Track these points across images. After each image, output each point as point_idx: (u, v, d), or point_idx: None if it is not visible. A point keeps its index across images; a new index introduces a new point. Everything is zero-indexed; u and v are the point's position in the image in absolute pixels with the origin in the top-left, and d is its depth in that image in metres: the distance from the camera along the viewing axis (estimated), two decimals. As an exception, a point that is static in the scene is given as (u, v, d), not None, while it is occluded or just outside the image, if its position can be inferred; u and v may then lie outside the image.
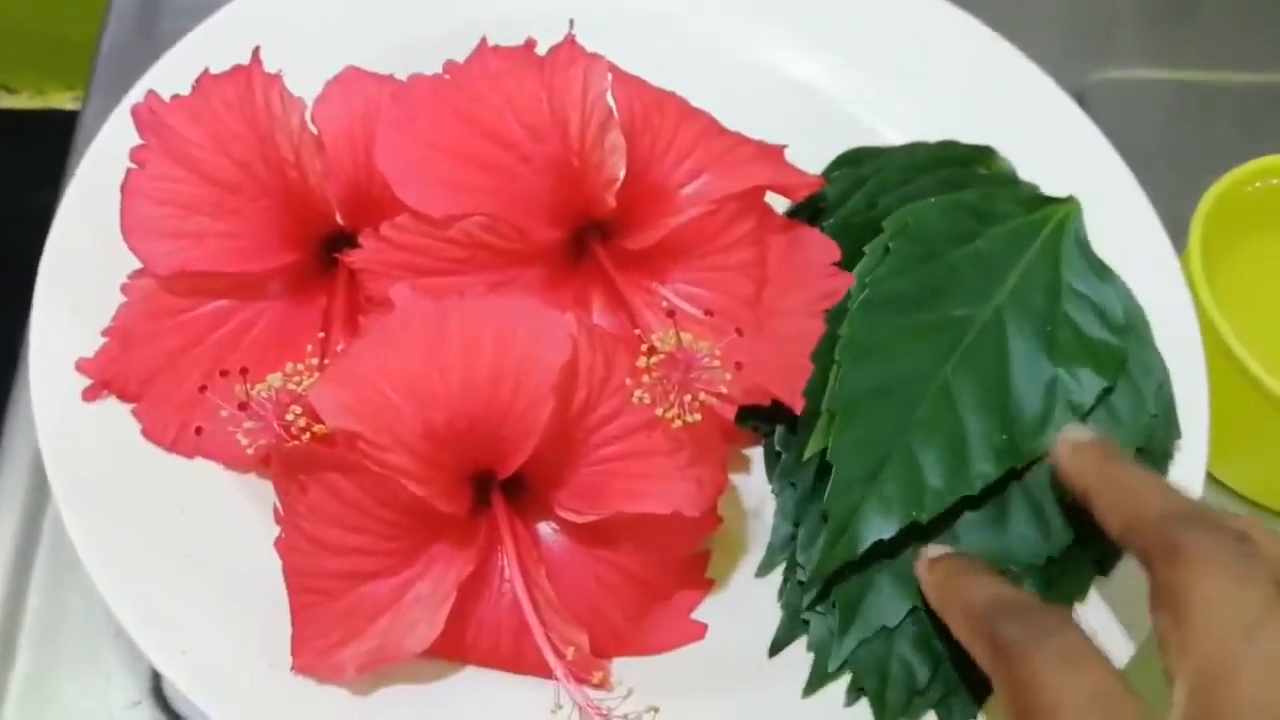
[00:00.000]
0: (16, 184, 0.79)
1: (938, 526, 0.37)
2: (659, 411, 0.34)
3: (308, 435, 0.33)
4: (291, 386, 0.33)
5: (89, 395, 0.38)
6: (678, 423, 0.34)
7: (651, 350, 0.34)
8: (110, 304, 0.38)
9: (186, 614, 0.36)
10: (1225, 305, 0.44)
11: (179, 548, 0.37)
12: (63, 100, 0.88)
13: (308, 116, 0.37)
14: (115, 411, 0.38)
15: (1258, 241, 0.49)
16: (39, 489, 0.43)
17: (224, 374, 0.35)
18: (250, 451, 0.33)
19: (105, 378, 0.38)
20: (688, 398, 0.34)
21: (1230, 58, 0.58)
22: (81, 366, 0.38)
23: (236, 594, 0.36)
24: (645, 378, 0.34)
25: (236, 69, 0.37)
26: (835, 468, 0.37)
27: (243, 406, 0.32)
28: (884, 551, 0.36)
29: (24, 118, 0.88)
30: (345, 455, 0.32)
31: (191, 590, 0.36)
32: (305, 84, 0.38)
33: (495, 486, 0.36)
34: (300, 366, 0.34)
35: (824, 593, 0.37)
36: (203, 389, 0.36)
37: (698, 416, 0.34)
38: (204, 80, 0.38)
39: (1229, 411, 0.42)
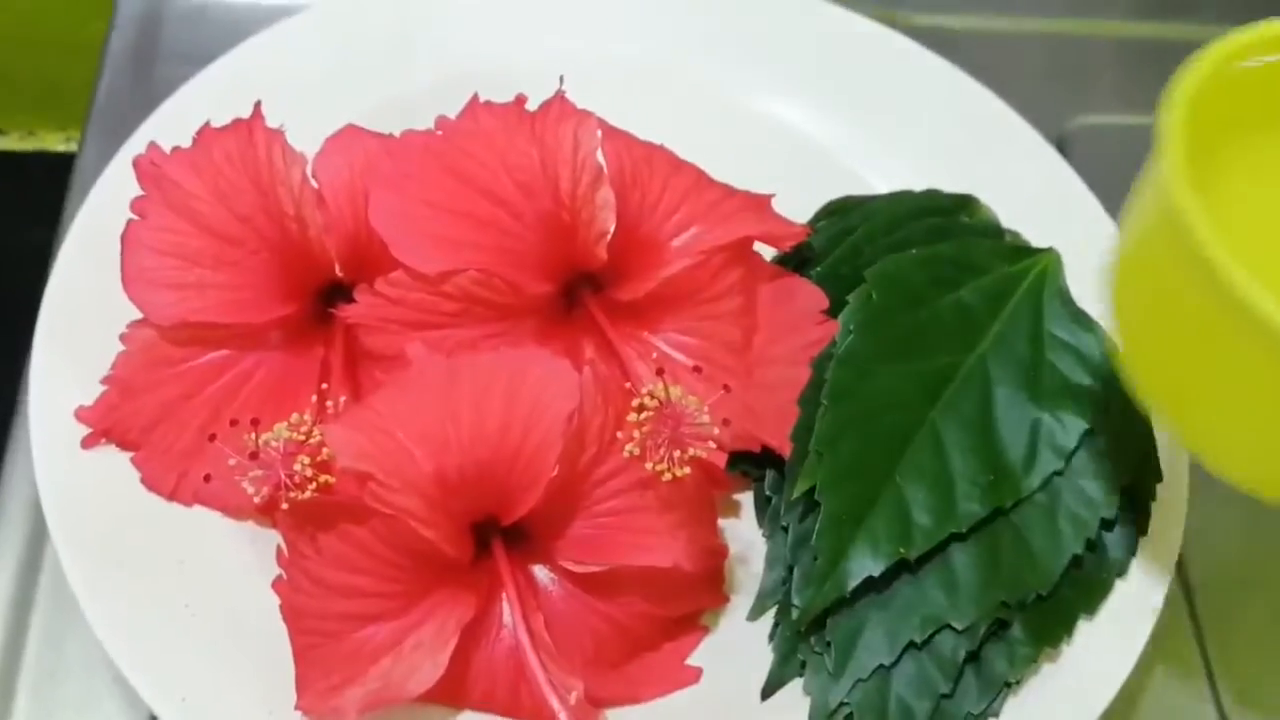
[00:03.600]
0: (9, 225, 0.79)
1: (925, 565, 0.38)
2: (648, 465, 0.35)
3: (313, 486, 0.33)
4: (298, 437, 0.34)
5: (88, 443, 0.39)
6: (667, 476, 0.35)
7: (641, 406, 0.35)
8: (109, 352, 0.39)
9: (185, 661, 0.36)
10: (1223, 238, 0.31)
11: (178, 595, 0.37)
12: (54, 141, 0.88)
13: (309, 170, 0.38)
14: (114, 460, 0.39)
15: (1257, 146, 0.35)
16: (37, 535, 0.43)
17: (234, 423, 0.36)
18: (257, 500, 0.34)
19: (104, 426, 0.39)
20: (677, 453, 0.35)
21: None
22: (81, 415, 0.39)
23: (235, 641, 0.37)
24: (635, 432, 0.35)
25: (238, 122, 0.38)
26: (823, 505, 0.38)
27: (253, 456, 0.33)
28: (875, 589, 0.37)
29: (15, 159, 0.88)
30: (356, 503, 0.33)
31: (190, 637, 0.37)
32: (300, 133, 0.39)
33: (496, 534, 0.36)
34: (306, 417, 0.34)
35: (813, 631, 0.38)
36: (212, 438, 0.36)
37: (687, 470, 0.35)
38: (205, 133, 0.38)
39: (1227, 383, 0.32)
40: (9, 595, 0.42)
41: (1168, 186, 0.31)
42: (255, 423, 0.34)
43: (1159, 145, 0.32)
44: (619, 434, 0.35)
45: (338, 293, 0.39)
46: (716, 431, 0.35)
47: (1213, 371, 0.32)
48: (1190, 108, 0.32)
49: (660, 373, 0.37)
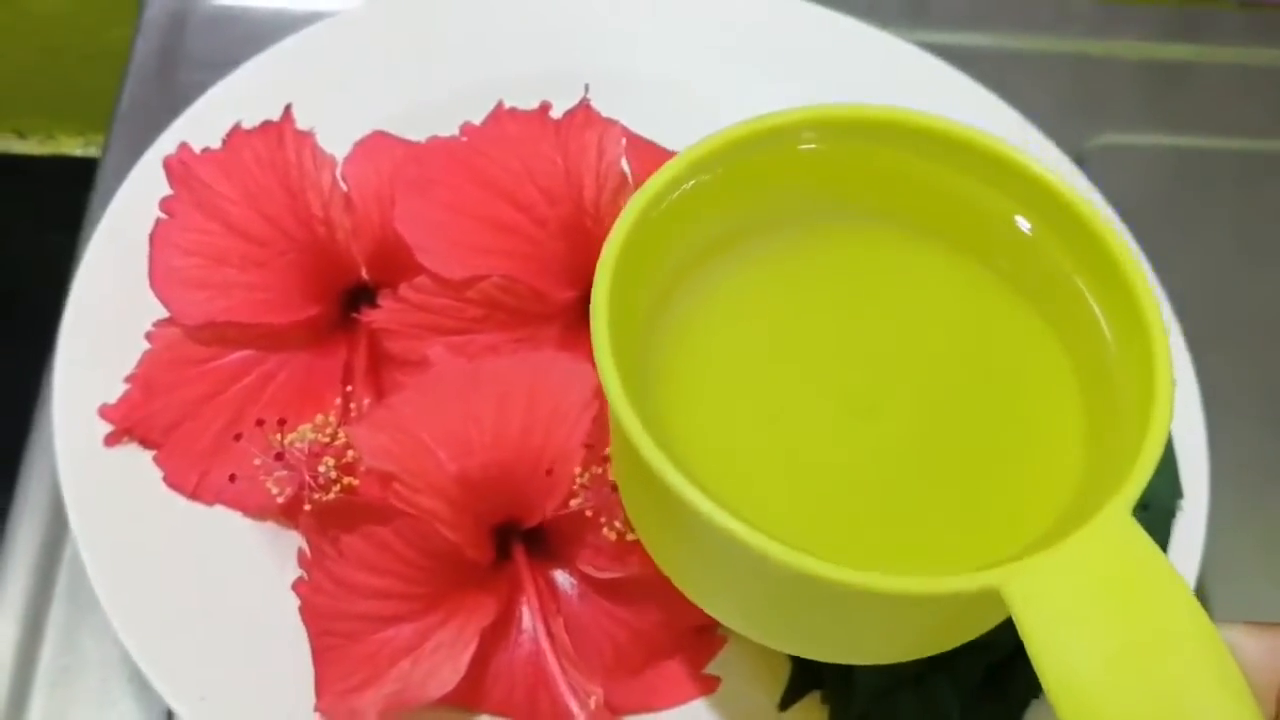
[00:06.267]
0: (29, 229, 0.80)
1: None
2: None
3: (338, 487, 0.34)
4: (323, 439, 0.34)
5: (110, 441, 0.39)
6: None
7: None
8: (133, 351, 0.39)
9: (204, 659, 0.36)
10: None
11: (197, 594, 0.37)
12: (73, 146, 0.89)
13: (338, 174, 0.38)
14: (137, 458, 0.39)
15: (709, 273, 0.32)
16: (55, 533, 0.43)
17: (260, 423, 0.36)
18: (280, 500, 0.34)
19: (127, 424, 0.39)
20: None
21: (1228, 123, 0.59)
22: (104, 413, 0.39)
23: (254, 641, 0.37)
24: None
25: (268, 124, 0.38)
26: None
27: (279, 456, 0.33)
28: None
29: (35, 163, 0.89)
30: (379, 504, 0.33)
31: (209, 636, 0.37)
32: (325, 138, 0.39)
33: (517, 537, 0.36)
34: (331, 418, 0.34)
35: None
36: (238, 437, 0.36)
37: None
38: (235, 134, 0.38)
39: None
40: (27, 593, 0.42)
41: (599, 368, 0.28)
42: (282, 423, 0.34)
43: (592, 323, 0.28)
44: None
45: (362, 295, 0.39)
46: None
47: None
48: (621, 269, 0.29)
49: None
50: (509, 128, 0.40)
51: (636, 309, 0.30)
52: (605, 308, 0.28)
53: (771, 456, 0.30)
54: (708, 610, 0.32)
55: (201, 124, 0.43)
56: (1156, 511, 0.40)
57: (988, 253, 0.33)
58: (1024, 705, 0.37)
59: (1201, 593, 0.46)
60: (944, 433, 0.31)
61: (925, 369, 0.32)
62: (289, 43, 0.48)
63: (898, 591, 0.26)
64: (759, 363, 0.32)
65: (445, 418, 0.34)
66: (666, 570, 0.32)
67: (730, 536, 0.26)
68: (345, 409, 0.38)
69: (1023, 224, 0.33)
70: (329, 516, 0.34)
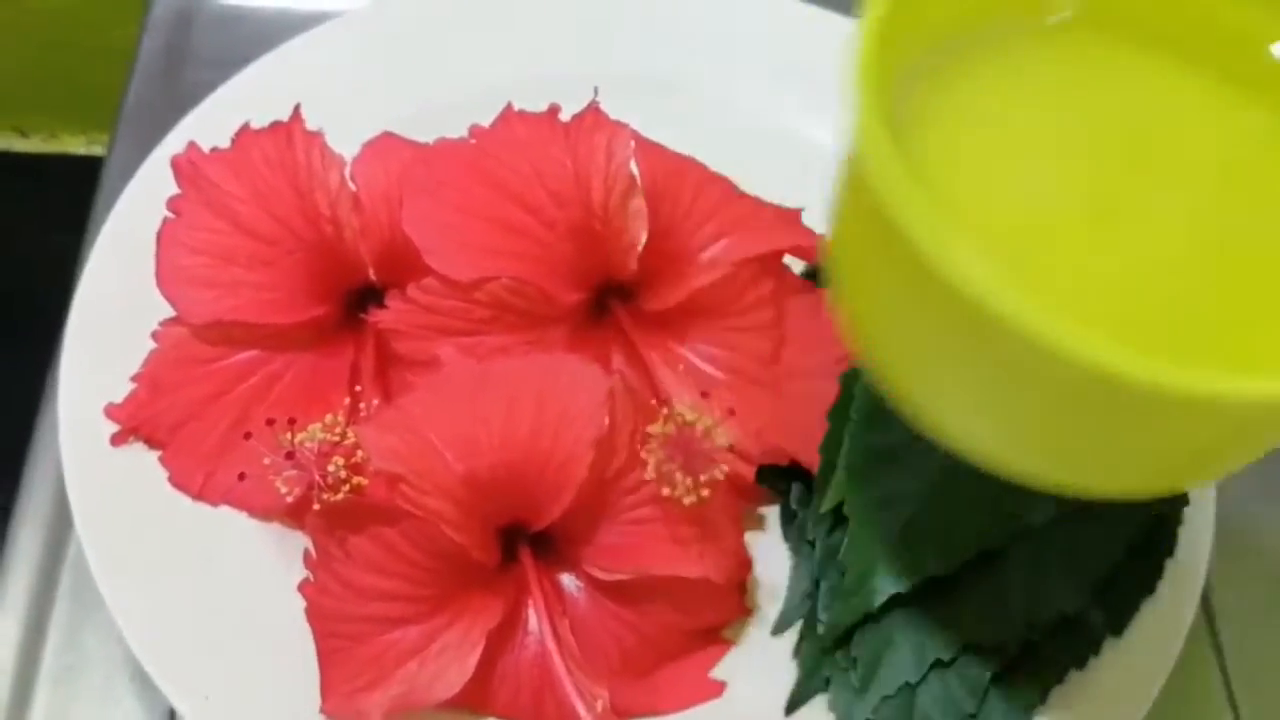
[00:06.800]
0: (33, 228, 0.79)
1: (954, 582, 0.37)
2: (664, 491, 0.35)
3: (347, 487, 0.34)
4: (332, 438, 0.34)
5: (116, 440, 0.39)
6: (688, 500, 0.35)
7: (648, 436, 0.35)
8: (139, 351, 0.39)
9: (209, 659, 0.36)
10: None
11: (203, 594, 0.37)
12: (76, 145, 0.89)
13: (347, 174, 0.38)
14: (143, 458, 0.39)
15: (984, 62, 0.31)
16: (58, 533, 0.43)
17: (270, 422, 0.36)
18: (289, 500, 0.34)
19: (133, 424, 0.39)
20: (690, 479, 0.35)
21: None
22: (110, 412, 0.39)
23: (260, 641, 0.37)
24: (649, 459, 0.35)
25: (277, 124, 0.38)
26: (851, 521, 0.37)
27: (289, 455, 0.33)
28: (903, 606, 0.37)
29: (37, 161, 0.88)
30: (387, 505, 0.33)
31: (215, 636, 0.37)
32: (333, 140, 0.39)
33: (524, 540, 0.36)
34: (340, 418, 0.34)
35: (839, 646, 0.37)
36: (247, 435, 0.36)
37: (706, 493, 0.35)
38: (244, 134, 0.38)
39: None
40: (30, 591, 0.42)
41: (861, 133, 0.26)
42: (292, 422, 0.34)
43: (851, 86, 0.26)
44: (641, 453, 0.35)
45: (370, 296, 0.39)
46: (729, 452, 0.35)
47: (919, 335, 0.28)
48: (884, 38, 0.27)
49: (665, 402, 0.36)
50: (518, 130, 0.40)
51: (885, 84, 0.27)
52: (870, 71, 0.26)
53: (1031, 251, 0.28)
54: (929, 423, 0.28)
55: (208, 123, 0.43)
56: (1164, 517, 0.40)
57: (1259, 83, 0.31)
58: (1031, 708, 0.37)
59: (1207, 599, 0.46)
60: (1207, 247, 0.29)
61: (1186, 185, 0.30)
62: (297, 42, 0.48)
63: (1212, 393, 0.23)
64: (1013, 158, 0.29)
65: (454, 419, 0.34)
66: (892, 377, 0.29)
67: (1022, 326, 0.23)
68: (354, 409, 0.38)
69: None
70: (336, 517, 0.34)
